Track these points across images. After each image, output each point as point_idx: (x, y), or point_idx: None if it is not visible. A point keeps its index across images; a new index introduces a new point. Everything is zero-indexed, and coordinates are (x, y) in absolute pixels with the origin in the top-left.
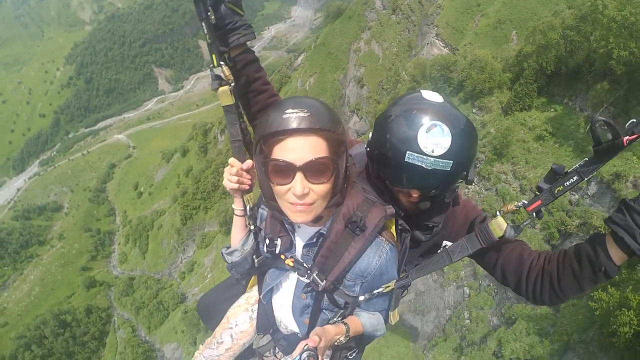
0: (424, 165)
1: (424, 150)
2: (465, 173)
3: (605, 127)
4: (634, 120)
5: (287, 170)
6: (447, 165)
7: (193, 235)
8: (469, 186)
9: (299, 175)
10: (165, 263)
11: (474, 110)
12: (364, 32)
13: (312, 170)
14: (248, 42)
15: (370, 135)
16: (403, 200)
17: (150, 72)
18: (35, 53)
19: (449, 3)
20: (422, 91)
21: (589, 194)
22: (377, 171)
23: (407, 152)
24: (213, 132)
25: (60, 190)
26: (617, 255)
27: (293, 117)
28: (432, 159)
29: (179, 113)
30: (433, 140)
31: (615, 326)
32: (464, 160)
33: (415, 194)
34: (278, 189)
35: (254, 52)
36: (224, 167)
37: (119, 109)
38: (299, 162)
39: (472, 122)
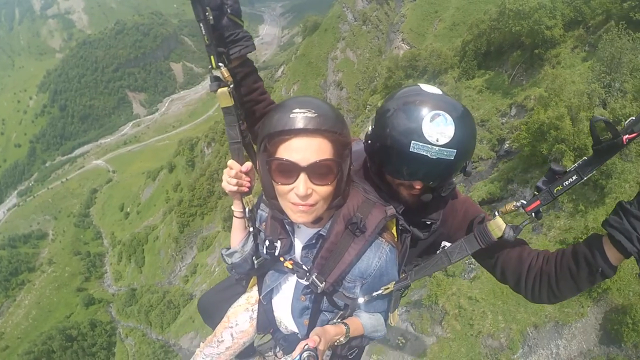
0: (429, 155)
1: (429, 139)
2: (464, 164)
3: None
4: (633, 118)
5: (291, 170)
6: (451, 154)
7: (191, 242)
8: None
9: (302, 176)
10: (164, 273)
11: (436, 86)
12: (339, 42)
13: (316, 171)
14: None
15: (370, 129)
16: (405, 194)
17: (125, 96)
18: (7, 83)
19: (411, 12)
20: (420, 84)
21: None
22: (378, 166)
23: (412, 142)
24: (199, 146)
25: (43, 218)
26: (614, 256)
27: (300, 117)
28: (437, 148)
29: (155, 135)
30: (437, 129)
31: None
32: (466, 150)
33: (417, 186)
34: (281, 188)
35: (252, 62)
36: (218, 174)
37: (95, 135)
38: (303, 163)
39: (471, 113)
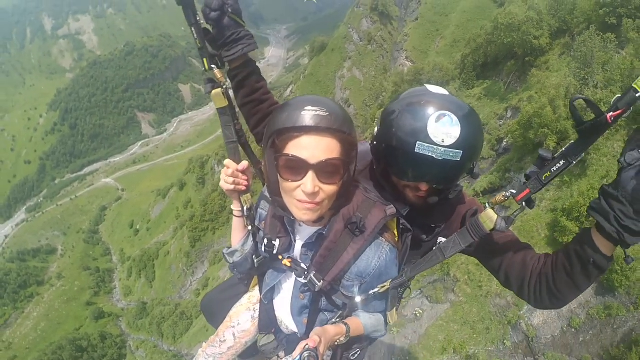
0: (434, 156)
1: (434, 140)
2: (472, 165)
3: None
4: (619, 95)
5: (299, 168)
6: (457, 155)
7: (202, 257)
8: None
9: (310, 174)
10: (174, 288)
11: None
12: (345, 62)
13: (325, 170)
14: (250, 53)
15: (376, 130)
16: (410, 196)
17: (134, 116)
18: (18, 101)
19: (413, 31)
20: (426, 85)
21: None
22: (384, 167)
23: (417, 142)
24: (210, 164)
25: (52, 234)
26: (603, 244)
27: (312, 114)
28: (442, 148)
29: (164, 155)
30: (443, 129)
31: None
32: (473, 151)
33: (423, 188)
34: (287, 185)
35: (254, 62)
36: None
37: (104, 154)
38: (312, 161)
39: (477, 114)
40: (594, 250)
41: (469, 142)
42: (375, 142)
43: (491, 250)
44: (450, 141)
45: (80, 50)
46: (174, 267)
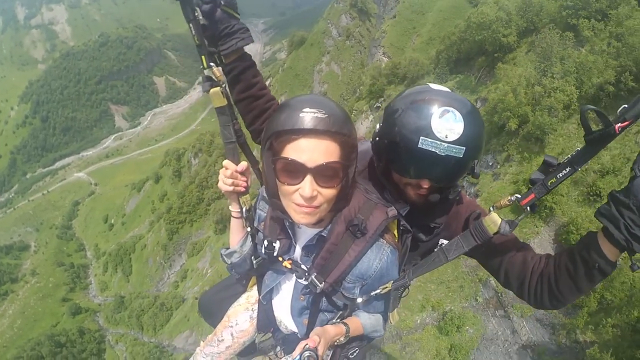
0: (437, 152)
1: (438, 135)
2: (473, 164)
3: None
4: (626, 105)
5: (297, 171)
6: (460, 151)
7: (179, 250)
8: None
9: (308, 177)
10: (152, 281)
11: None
12: (324, 56)
13: (323, 173)
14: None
15: (378, 126)
16: (412, 194)
17: (107, 109)
18: None
19: (391, 28)
20: (429, 83)
21: None
22: (385, 164)
23: (421, 137)
24: (186, 156)
25: (24, 230)
26: (609, 250)
27: (310, 116)
28: (445, 144)
29: (138, 149)
30: (446, 125)
31: None
32: (475, 148)
33: (425, 185)
34: (285, 188)
35: (250, 56)
36: (207, 182)
37: (77, 148)
38: (310, 164)
39: (479, 112)
40: (600, 256)
41: (472, 139)
42: (377, 139)
43: (490, 250)
44: (453, 137)
45: (53, 40)
46: (151, 260)
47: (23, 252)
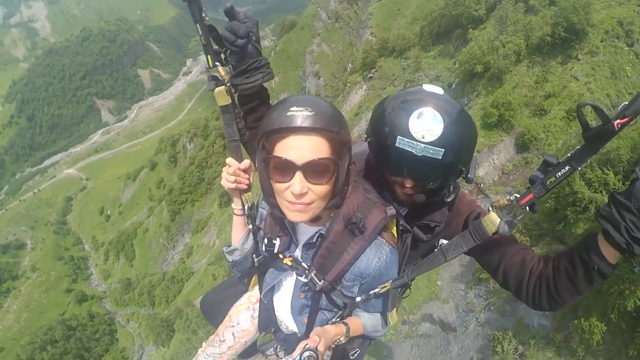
0: (413, 151)
1: (414, 135)
2: (462, 168)
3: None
4: (626, 103)
5: (287, 169)
6: (437, 153)
7: (182, 230)
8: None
9: (298, 174)
10: (156, 263)
11: (402, 60)
12: (314, 38)
13: (312, 170)
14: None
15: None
16: (398, 192)
17: (93, 104)
18: None
19: (377, 10)
20: (423, 85)
21: None
22: (375, 161)
23: (398, 137)
24: (181, 142)
25: (19, 230)
26: (609, 252)
27: (297, 114)
28: (422, 144)
29: (126, 142)
30: (424, 126)
31: None
32: (458, 152)
33: (408, 184)
34: (277, 186)
35: (267, 89)
36: (207, 162)
37: (64, 145)
38: (299, 161)
39: (471, 117)
40: (600, 258)
41: (453, 142)
42: (366, 136)
43: (489, 251)
44: (430, 138)
45: (34, 38)
46: (154, 242)
47: (20, 251)
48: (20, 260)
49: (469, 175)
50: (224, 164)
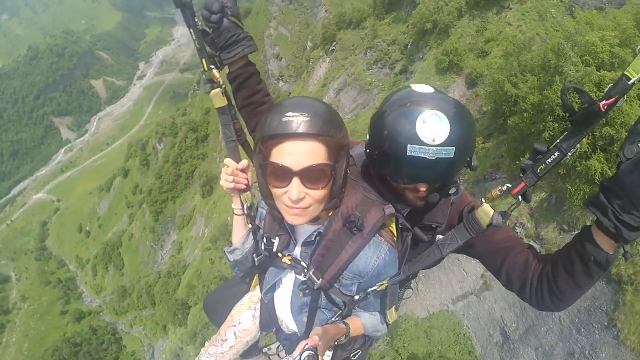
0: (427, 157)
1: (425, 140)
2: (468, 159)
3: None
4: (612, 84)
5: (283, 175)
6: (450, 152)
7: (168, 229)
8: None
9: (295, 181)
10: (146, 267)
11: (360, 31)
12: (271, 22)
13: (309, 176)
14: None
15: (368, 136)
16: (412, 198)
17: (51, 123)
18: None
19: None
20: (411, 85)
21: None
22: (380, 172)
23: (408, 145)
24: (151, 144)
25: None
26: (602, 240)
27: (293, 120)
28: (434, 148)
29: (91, 156)
30: (432, 129)
31: None
32: (466, 146)
33: (423, 188)
34: (275, 191)
35: (254, 64)
36: (182, 158)
37: (29, 170)
38: (296, 168)
39: (465, 106)
40: (595, 246)
41: (461, 137)
42: (368, 151)
43: (493, 251)
44: (441, 140)
45: None
46: (141, 247)
47: (6, 285)
48: (8, 294)
49: (472, 164)
50: (199, 157)
